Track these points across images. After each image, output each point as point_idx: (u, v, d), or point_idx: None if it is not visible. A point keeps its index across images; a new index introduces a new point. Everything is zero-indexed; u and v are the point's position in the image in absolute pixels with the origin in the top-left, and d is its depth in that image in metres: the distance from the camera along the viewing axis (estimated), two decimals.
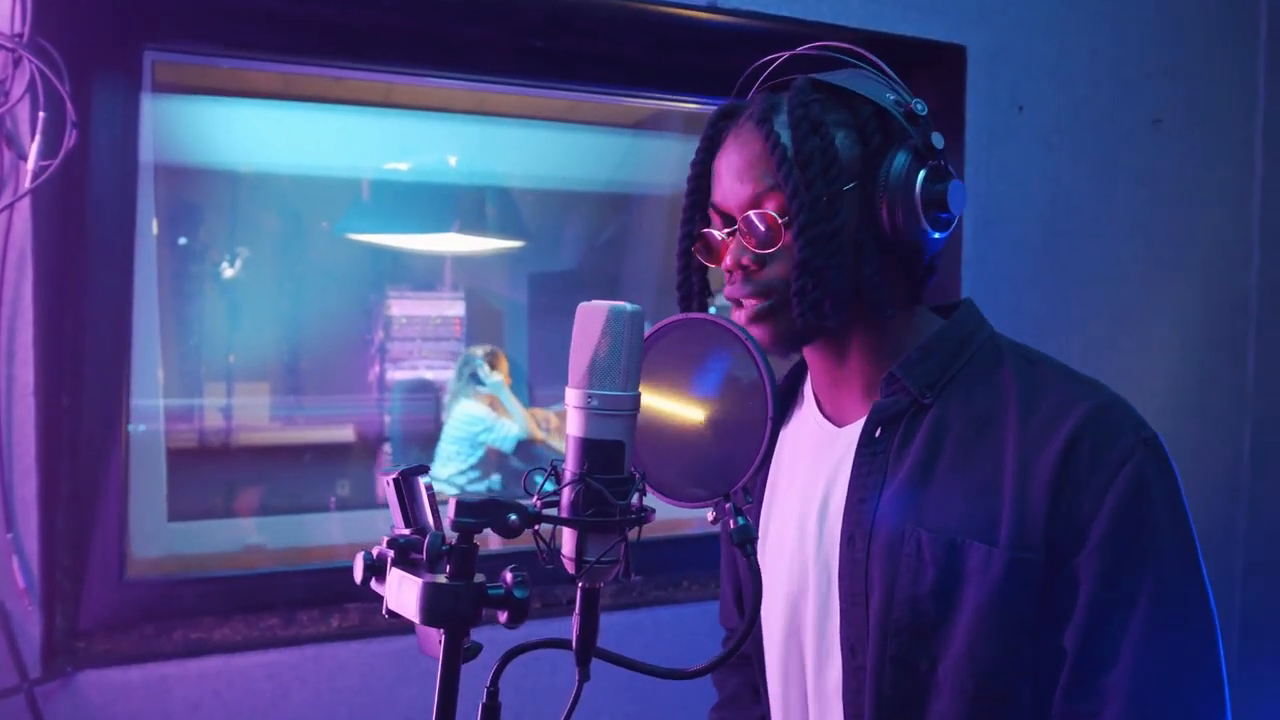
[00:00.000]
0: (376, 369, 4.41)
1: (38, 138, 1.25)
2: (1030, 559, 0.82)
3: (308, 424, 4.13)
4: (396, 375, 4.37)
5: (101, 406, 1.45)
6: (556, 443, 3.91)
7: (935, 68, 1.83)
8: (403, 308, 4.43)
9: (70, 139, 1.27)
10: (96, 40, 1.46)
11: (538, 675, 1.56)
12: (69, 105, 1.27)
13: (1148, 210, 2.00)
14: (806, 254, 0.86)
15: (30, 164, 1.25)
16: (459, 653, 0.72)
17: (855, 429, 0.96)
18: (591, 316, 0.74)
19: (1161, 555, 0.81)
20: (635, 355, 0.74)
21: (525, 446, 3.85)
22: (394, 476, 0.84)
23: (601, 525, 0.73)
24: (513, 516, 0.71)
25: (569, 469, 0.75)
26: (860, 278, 0.90)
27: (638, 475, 0.75)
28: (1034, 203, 1.88)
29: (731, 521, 0.79)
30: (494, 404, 3.85)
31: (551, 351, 4.60)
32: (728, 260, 0.92)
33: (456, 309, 4.51)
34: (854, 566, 0.91)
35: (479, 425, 3.78)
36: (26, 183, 1.25)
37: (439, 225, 3.92)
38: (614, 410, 0.74)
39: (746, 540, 0.79)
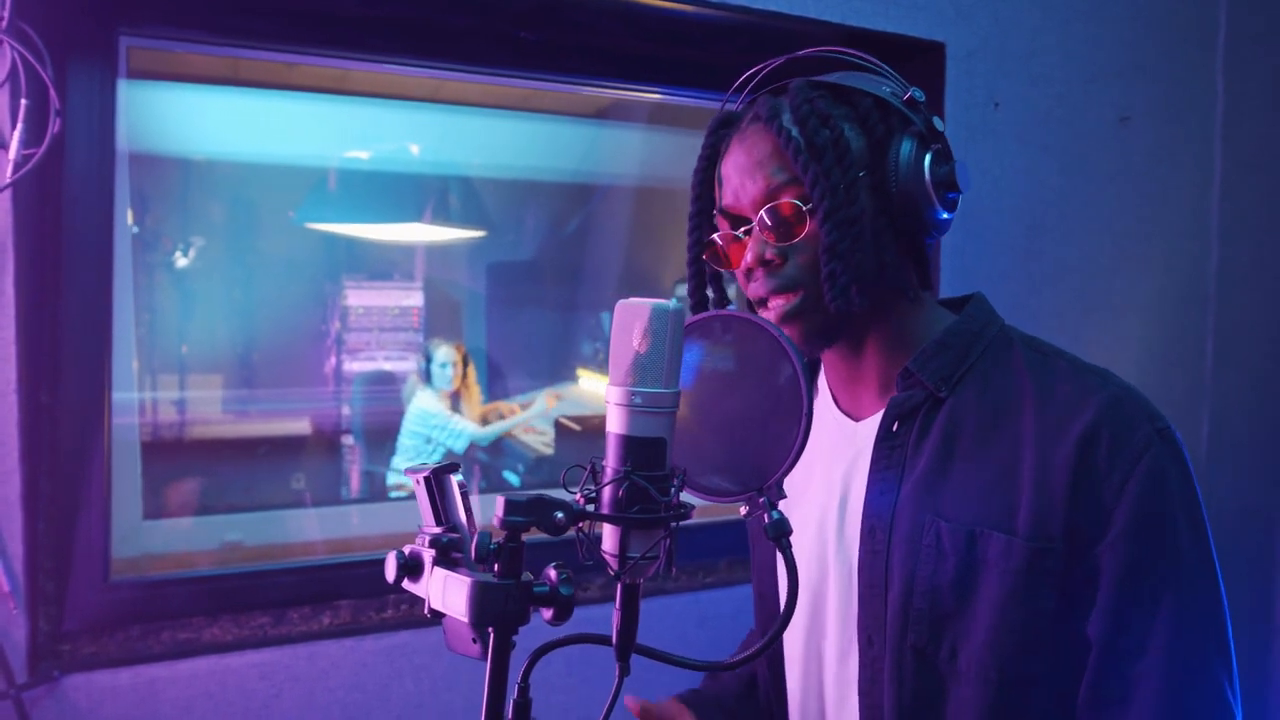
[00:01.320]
0: (333, 360, 4.34)
1: (20, 126, 1.20)
2: (1050, 549, 0.85)
3: (262, 417, 4.05)
4: (354, 367, 4.31)
5: (82, 403, 1.40)
6: (526, 438, 3.89)
7: (915, 64, 1.86)
8: (359, 298, 4.36)
9: (55, 127, 1.23)
10: (72, 25, 1.41)
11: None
12: (52, 92, 1.23)
13: (1114, 205, 2.06)
14: (834, 237, 0.87)
15: (12, 153, 1.20)
16: (508, 651, 0.72)
17: (872, 423, 0.97)
18: (633, 314, 0.74)
19: (1180, 544, 0.84)
20: (677, 353, 0.75)
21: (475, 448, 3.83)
22: (425, 475, 0.83)
23: (646, 522, 0.73)
24: (559, 514, 0.72)
25: (610, 466, 0.75)
26: (882, 263, 0.92)
27: (678, 472, 0.75)
28: (1009, 197, 1.92)
29: (766, 516, 0.81)
30: (454, 398, 3.83)
31: (511, 342, 4.57)
32: (748, 258, 0.93)
33: (414, 299, 4.45)
34: (874, 558, 0.93)
35: (432, 420, 3.75)
36: (9, 172, 1.20)
37: (401, 215, 3.87)
38: (656, 408, 0.74)
39: (782, 534, 0.80)
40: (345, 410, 4.25)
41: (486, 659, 0.82)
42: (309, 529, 3.05)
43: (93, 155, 1.43)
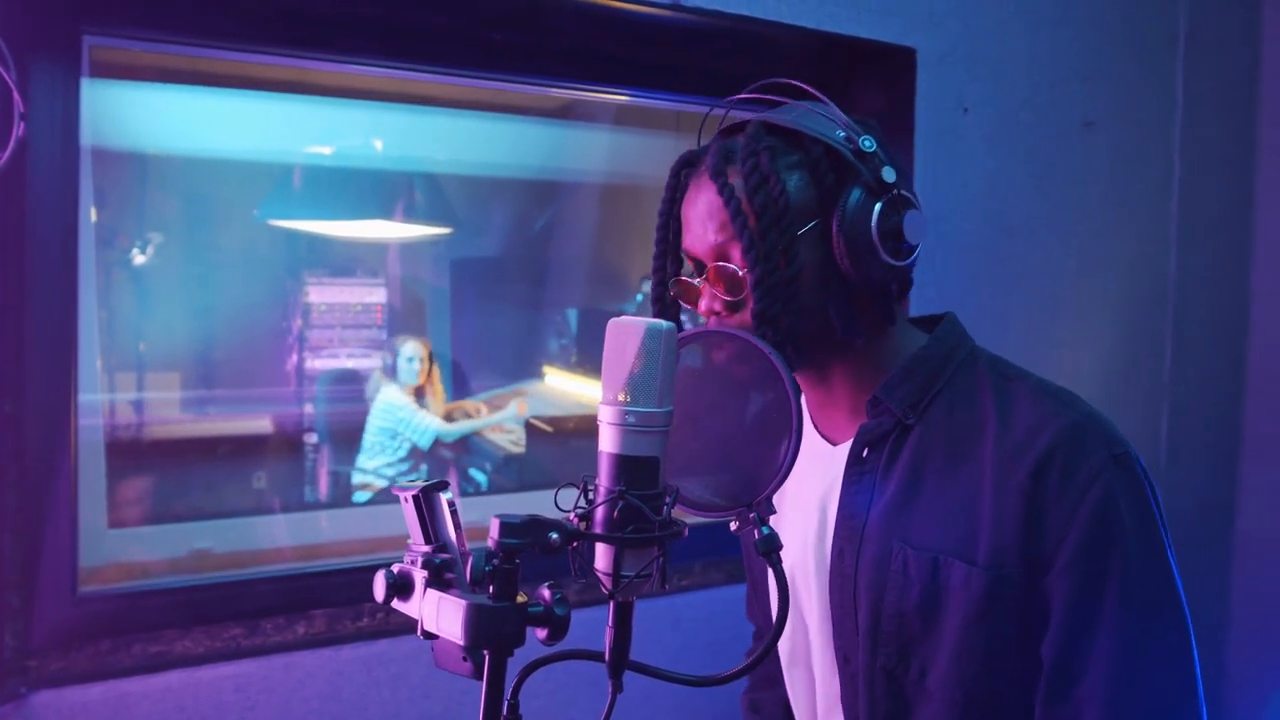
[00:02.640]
0: (295, 358, 4.28)
1: None
2: (1008, 576, 0.86)
3: (222, 416, 3.98)
4: (316, 364, 4.25)
5: (48, 410, 1.37)
6: (495, 437, 3.86)
7: (887, 69, 1.87)
8: (321, 294, 4.29)
9: (19, 130, 1.20)
10: (34, 26, 1.37)
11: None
12: (16, 95, 1.19)
13: (1078, 208, 2.10)
14: (764, 304, 0.88)
15: None
16: (504, 674, 0.72)
17: (846, 448, 0.99)
18: (625, 333, 0.74)
19: (1129, 570, 0.85)
20: (670, 372, 0.75)
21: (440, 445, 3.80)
22: (414, 493, 0.83)
23: (641, 541, 0.73)
24: (554, 535, 0.72)
25: (603, 485, 0.75)
26: (826, 315, 0.93)
27: (671, 490, 0.76)
28: (977, 201, 1.95)
29: (756, 532, 0.81)
30: (419, 394, 3.79)
31: (476, 339, 4.54)
32: (701, 306, 0.95)
33: (377, 295, 4.40)
34: (843, 580, 0.95)
35: (399, 413, 3.71)
36: None
37: (364, 211, 3.83)
38: (649, 427, 0.74)
39: (772, 550, 0.81)
40: (308, 409, 4.20)
41: (477, 678, 0.82)
42: (279, 535, 3.00)
43: (57, 157, 1.40)
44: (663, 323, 0.74)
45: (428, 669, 1.53)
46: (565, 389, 4.12)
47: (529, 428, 3.66)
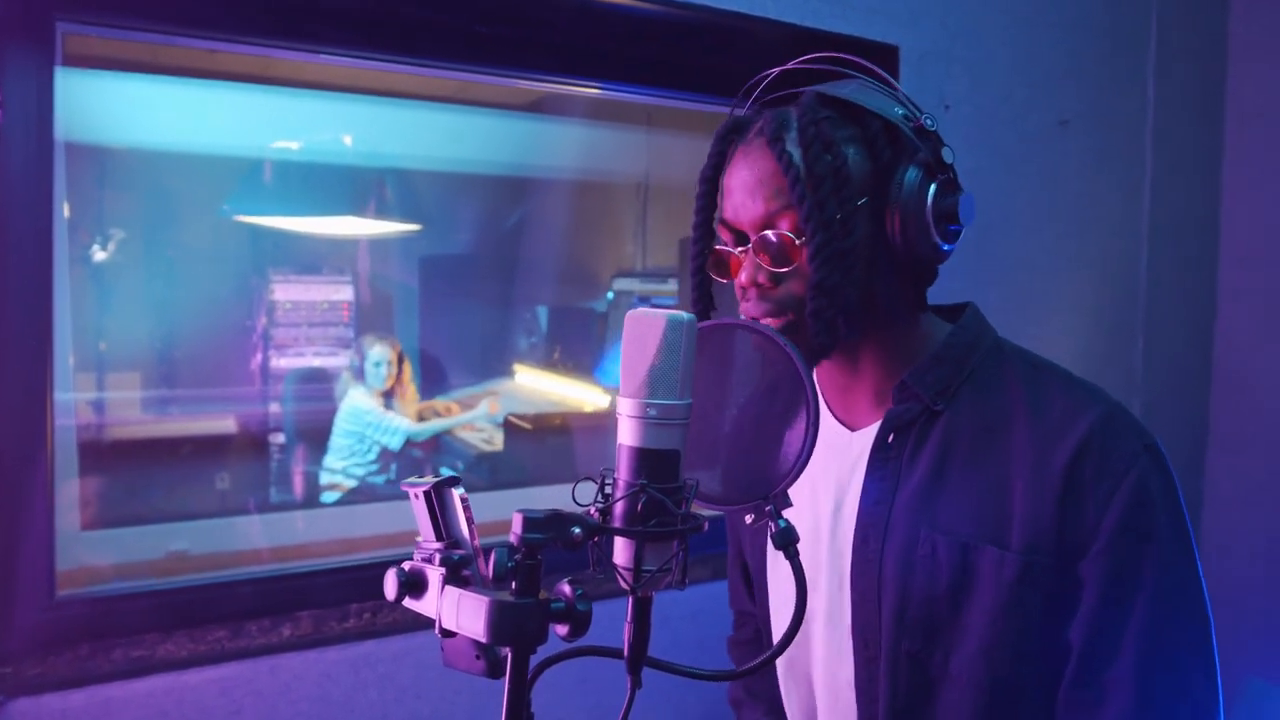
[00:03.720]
0: (259, 357, 4.21)
1: None
2: (1042, 562, 0.87)
3: (184, 416, 3.90)
4: (282, 363, 4.18)
5: (23, 408, 1.33)
6: (466, 435, 3.83)
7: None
8: (286, 292, 4.22)
9: None
10: (6, 13, 1.33)
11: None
12: None
13: (1053, 206, 2.13)
14: (822, 274, 0.86)
15: None
16: (526, 671, 0.71)
17: (868, 433, 0.98)
18: (646, 325, 0.73)
19: (1163, 557, 0.86)
20: (690, 364, 0.74)
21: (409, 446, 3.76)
22: (425, 489, 0.81)
23: (663, 535, 0.73)
24: (576, 530, 0.71)
25: (623, 478, 0.74)
26: (873, 292, 0.92)
27: (691, 483, 0.75)
28: None
29: (773, 525, 0.81)
30: (388, 395, 3.75)
31: (445, 337, 4.50)
32: (742, 277, 0.93)
33: (344, 293, 4.33)
34: (866, 566, 0.95)
35: (366, 417, 3.67)
36: None
37: (334, 207, 3.77)
38: (670, 419, 0.73)
39: (790, 543, 0.80)
40: (274, 408, 4.13)
41: (491, 677, 0.80)
42: (255, 536, 2.95)
43: (31, 148, 1.35)
44: (683, 314, 0.73)
45: (416, 670, 1.51)
46: (536, 387, 4.10)
47: (507, 425, 3.63)
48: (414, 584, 0.79)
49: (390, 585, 0.80)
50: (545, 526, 0.69)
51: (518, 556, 0.69)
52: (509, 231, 4.31)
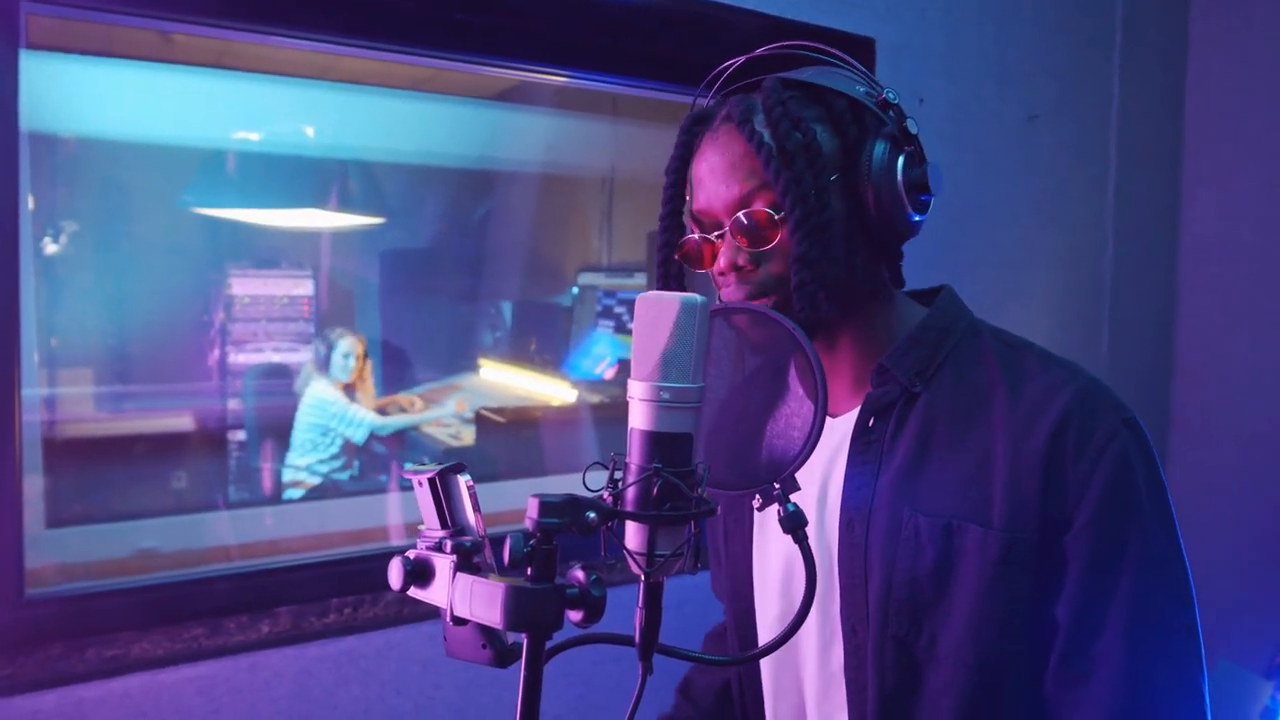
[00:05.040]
0: (217, 353, 4.12)
1: None
2: (1025, 539, 0.87)
3: (139, 413, 3.80)
4: (240, 359, 4.10)
5: None
6: (432, 431, 3.79)
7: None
8: (245, 286, 4.14)
9: None
10: None
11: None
12: None
13: (1022, 199, 2.16)
14: (804, 247, 0.87)
15: None
16: (542, 656, 0.70)
17: (848, 418, 0.98)
18: (659, 308, 0.73)
19: (1146, 530, 0.87)
20: (703, 347, 0.74)
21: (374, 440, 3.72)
22: (430, 476, 0.80)
23: (677, 519, 0.72)
24: (591, 514, 0.70)
25: (635, 463, 0.74)
26: (852, 267, 0.92)
27: (702, 467, 0.75)
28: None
29: (781, 509, 0.81)
30: (350, 389, 3.70)
31: (408, 332, 4.44)
32: (721, 263, 0.92)
33: (304, 288, 4.26)
34: (852, 550, 0.95)
35: (331, 409, 3.61)
36: None
37: (294, 199, 3.70)
38: (683, 403, 0.73)
39: (798, 526, 0.80)
40: (232, 405, 4.04)
41: (498, 665, 0.79)
42: (223, 533, 2.88)
43: None
44: (697, 297, 0.73)
45: (398, 665, 1.49)
46: (501, 382, 4.07)
47: (480, 419, 3.60)
48: (420, 572, 0.77)
49: (395, 574, 0.78)
50: (561, 511, 0.68)
51: (533, 541, 0.68)
52: (473, 225, 4.27)
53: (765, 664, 1.07)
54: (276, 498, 3.60)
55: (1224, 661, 1.87)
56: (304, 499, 3.50)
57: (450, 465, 0.79)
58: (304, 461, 3.62)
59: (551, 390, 3.77)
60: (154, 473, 3.55)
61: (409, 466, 0.82)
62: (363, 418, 3.62)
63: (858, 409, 0.97)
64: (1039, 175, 2.18)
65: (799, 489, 0.82)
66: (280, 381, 3.97)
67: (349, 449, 3.64)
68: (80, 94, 3.13)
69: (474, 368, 4.28)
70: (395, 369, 4.26)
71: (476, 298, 4.38)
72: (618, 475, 0.75)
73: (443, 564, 0.75)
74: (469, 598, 0.72)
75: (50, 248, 3.52)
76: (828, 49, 0.97)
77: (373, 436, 3.70)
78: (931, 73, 1.97)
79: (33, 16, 2.05)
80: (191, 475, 3.65)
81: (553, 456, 3.50)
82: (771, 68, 0.96)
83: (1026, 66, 2.12)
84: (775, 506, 0.81)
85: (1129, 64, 2.28)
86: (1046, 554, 0.88)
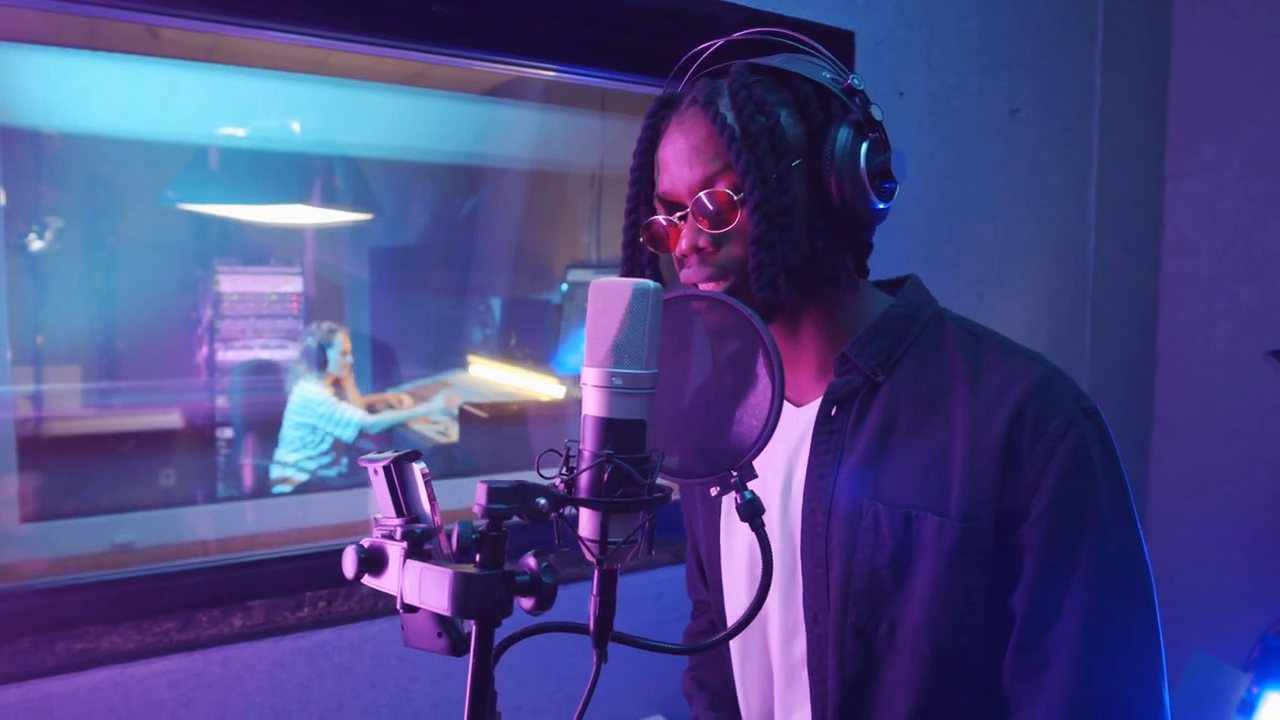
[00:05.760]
0: (205, 350, 4.11)
1: None
2: (981, 529, 0.86)
3: (127, 410, 3.79)
4: (229, 356, 4.09)
5: None
6: (421, 428, 3.78)
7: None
8: (233, 283, 4.13)
9: None
10: None
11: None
12: None
13: (1003, 193, 2.16)
14: (762, 229, 0.86)
15: None
16: (491, 644, 0.70)
17: (813, 408, 0.98)
18: (612, 294, 0.72)
19: (1102, 520, 0.86)
20: (656, 332, 0.74)
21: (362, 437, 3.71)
22: (385, 464, 0.79)
23: (630, 506, 0.72)
24: (542, 500, 0.69)
25: (588, 449, 0.73)
26: (814, 252, 0.92)
27: (658, 453, 0.74)
28: (910, 184, 1.99)
29: (739, 497, 0.80)
30: (337, 386, 3.69)
31: (397, 329, 4.44)
32: (682, 245, 0.92)
33: (293, 285, 4.25)
34: (814, 539, 0.94)
35: (319, 408, 3.60)
36: None
37: (283, 196, 3.69)
38: (636, 389, 0.73)
39: (755, 514, 0.80)
40: (220, 401, 4.03)
41: (453, 654, 0.79)
42: (201, 528, 2.87)
43: None
44: (649, 283, 0.72)
45: (374, 658, 1.48)
46: (491, 379, 4.06)
47: (464, 415, 3.59)
48: (374, 561, 0.77)
49: (349, 563, 0.78)
50: (510, 497, 0.68)
51: (481, 528, 0.68)
52: (462, 222, 4.27)
53: (735, 654, 1.07)
54: (264, 494, 3.59)
55: (1202, 654, 1.87)
56: (292, 494, 3.49)
57: (405, 453, 0.79)
58: (292, 458, 3.62)
59: (540, 387, 3.76)
60: (141, 469, 3.54)
61: (366, 456, 0.81)
62: (350, 416, 3.61)
63: (821, 398, 0.97)
64: (1020, 168, 2.18)
65: (756, 476, 0.82)
66: (268, 378, 3.96)
67: (339, 446, 3.64)
68: (64, 88, 3.12)
69: (463, 364, 4.28)
70: (385, 366, 4.25)
71: (466, 294, 4.38)
72: (572, 463, 0.74)
73: (395, 551, 0.75)
74: (418, 584, 0.71)
75: (36, 244, 3.51)
76: (796, 35, 0.97)
77: (362, 434, 3.69)
78: (911, 66, 1.96)
79: (15, 9, 2.04)
80: (180, 472, 3.65)
81: (537, 451, 3.50)
82: (743, 56, 0.96)
83: (1008, 60, 2.12)
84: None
85: (1111, 57, 2.28)
86: (1002, 544, 0.87)
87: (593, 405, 0.73)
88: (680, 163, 0.91)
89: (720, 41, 0.99)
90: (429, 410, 3.80)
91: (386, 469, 0.79)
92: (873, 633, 0.91)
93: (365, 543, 0.78)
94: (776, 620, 1.00)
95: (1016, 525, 0.87)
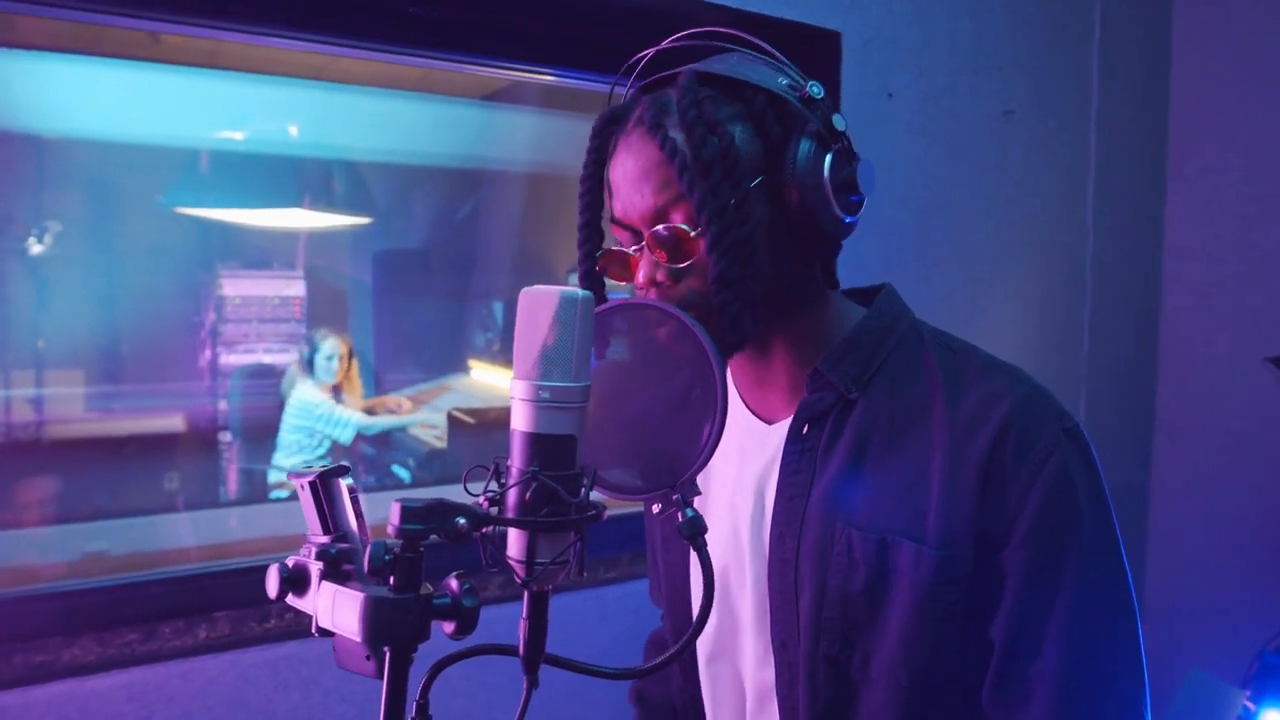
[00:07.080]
0: (208, 353, 4.11)
1: None
2: (960, 556, 0.82)
3: (129, 414, 3.80)
4: (231, 360, 4.09)
5: None
6: (418, 432, 3.77)
7: (812, 53, 1.86)
8: (236, 287, 4.13)
9: None
10: None
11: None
12: None
13: (998, 196, 2.12)
14: (722, 266, 0.81)
15: None
16: (406, 673, 0.67)
17: (784, 426, 0.93)
18: (539, 303, 0.69)
19: (1084, 546, 0.83)
20: (586, 344, 0.71)
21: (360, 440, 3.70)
22: (311, 479, 0.76)
23: (556, 525, 0.69)
24: (461, 520, 0.66)
25: (515, 466, 0.70)
26: (779, 276, 0.87)
27: (588, 471, 0.71)
28: (901, 187, 1.95)
29: (680, 515, 0.77)
30: (337, 390, 3.68)
31: (399, 333, 4.43)
32: (640, 277, 0.87)
33: (296, 289, 4.25)
34: (784, 565, 0.90)
35: (316, 411, 3.60)
36: None
37: (282, 199, 3.68)
38: (564, 403, 0.70)
39: (697, 533, 0.76)
40: (222, 405, 4.03)
41: (380, 678, 0.76)
42: (183, 535, 2.86)
43: None
44: (578, 291, 0.69)
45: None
46: (492, 383, 4.04)
47: (452, 421, 3.57)
48: (296, 580, 0.75)
49: (272, 582, 0.75)
50: (426, 517, 0.65)
51: (396, 549, 0.65)
52: (464, 225, 4.26)
53: (705, 678, 1.03)
54: (261, 498, 3.59)
55: (1198, 671, 1.82)
56: (288, 500, 3.48)
57: (332, 468, 0.76)
58: (289, 462, 3.61)
59: None
60: (140, 473, 3.55)
61: (294, 469, 0.79)
62: (347, 418, 3.60)
63: (792, 417, 0.93)
64: (1014, 170, 2.13)
65: (699, 494, 0.79)
66: (269, 382, 3.96)
67: (337, 450, 3.63)
68: (66, 93, 3.12)
69: (464, 369, 4.26)
70: (386, 370, 4.25)
71: (468, 298, 4.36)
72: (501, 480, 0.71)
73: (315, 571, 0.72)
74: (332, 607, 0.68)
75: (36, 248, 3.52)
76: (747, 37, 0.91)
77: (360, 437, 3.68)
78: (901, 67, 1.92)
79: (15, 15, 2.04)
80: (182, 476, 3.65)
81: None
82: (697, 56, 0.92)
83: (1000, 60, 2.08)
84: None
85: (1109, 58, 2.23)
86: (982, 572, 0.83)
87: (519, 420, 0.70)
88: (631, 188, 0.86)
89: (652, 51, 0.92)
90: (425, 418, 3.79)
91: (312, 484, 0.76)
92: (846, 662, 0.87)
93: (290, 561, 0.76)
94: (749, 646, 0.96)
95: (998, 550, 0.83)
